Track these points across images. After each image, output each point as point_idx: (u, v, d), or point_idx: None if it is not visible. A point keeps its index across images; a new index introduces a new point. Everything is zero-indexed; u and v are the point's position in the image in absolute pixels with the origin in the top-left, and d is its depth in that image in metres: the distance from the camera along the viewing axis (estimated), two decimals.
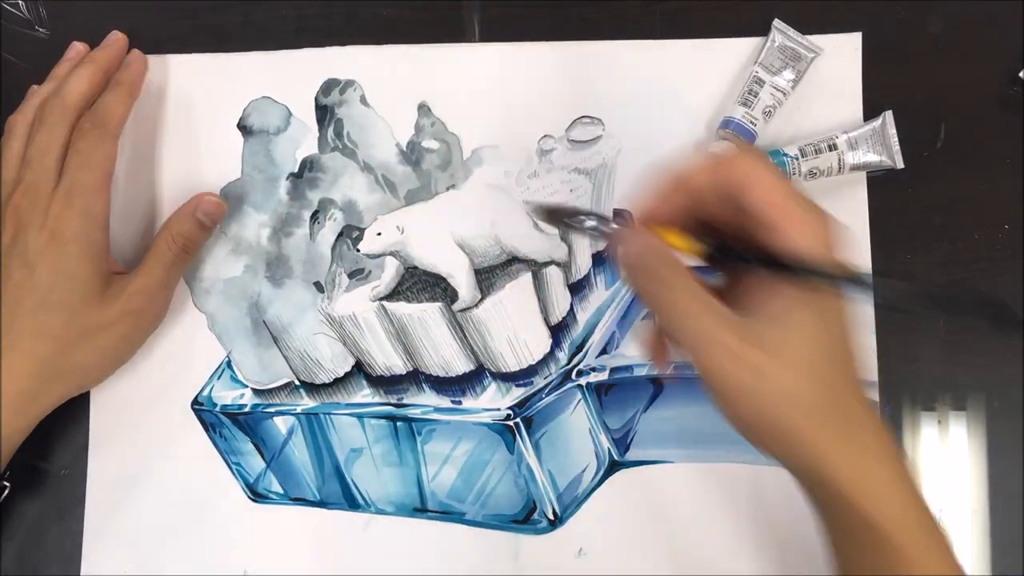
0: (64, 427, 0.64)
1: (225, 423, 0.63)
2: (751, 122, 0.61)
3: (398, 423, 0.63)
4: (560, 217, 0.49)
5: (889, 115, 0.62)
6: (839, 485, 0.44)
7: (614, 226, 0.47)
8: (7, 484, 0.60)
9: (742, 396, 0.44)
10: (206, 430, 0.64)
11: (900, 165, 0.61)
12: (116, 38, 0.64)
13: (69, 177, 0.57)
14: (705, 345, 0.43)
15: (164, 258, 0.60)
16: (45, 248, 0.56)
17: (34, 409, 0.58)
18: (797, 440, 0.44)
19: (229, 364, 0.64)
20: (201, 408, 0.64)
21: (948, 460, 0.61)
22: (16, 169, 0.58)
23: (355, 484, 0.63)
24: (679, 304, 0.44)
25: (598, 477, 0.63)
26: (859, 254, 0.62)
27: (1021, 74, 0.62)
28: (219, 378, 0.64)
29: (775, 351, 0.42)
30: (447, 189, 0.64)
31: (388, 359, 0.63)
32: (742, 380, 0.43)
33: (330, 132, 0.64)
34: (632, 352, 0.63)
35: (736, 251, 0.45)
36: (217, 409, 0.63)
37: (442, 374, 0.63)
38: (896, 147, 0.61)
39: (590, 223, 0.47)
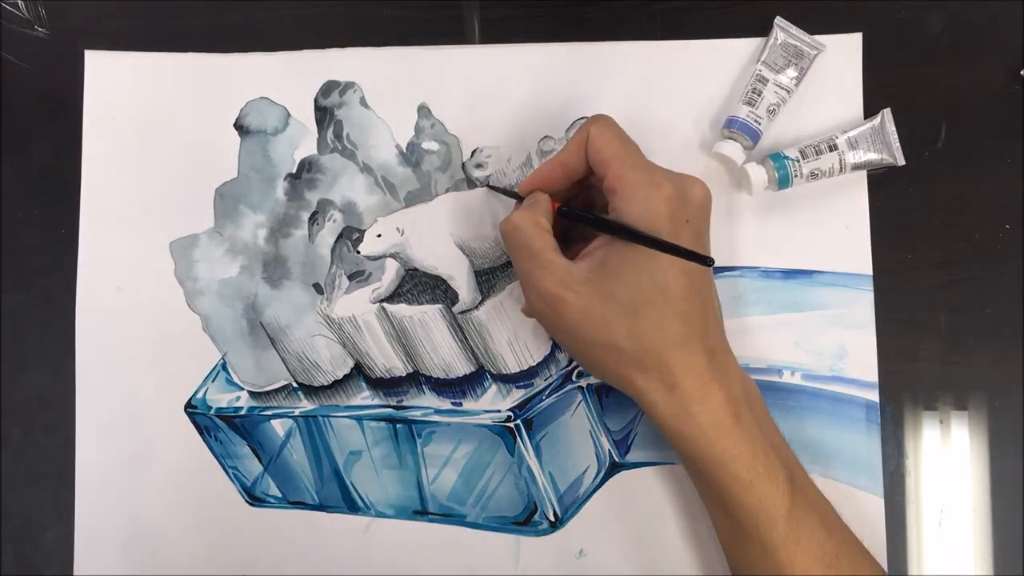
0: (56, 430, 0.63)
1: (220, 426, 0.63)
2: (755, 120, 0.61)
3: (398, 425, 0.62)
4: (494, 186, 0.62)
5: (888, 113, 0.62)
6: (661, 419, 0.52)
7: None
8: None
9: (555, 331, 0.56)
10: (200, 433, 0.63)
11: (901, 162, 0.61)
12: None
13: None
14: (524, 283, 0.55)
15: None
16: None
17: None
18: (609, 373, 0.54)
19: (224, 366, 0.64)
20: (195, 411, 0.63)
21: (949, 460, 0.61)
22: None
23: (355, 487, 0.63)
24: (516, 245, 0.54)
25: (599, 479, 0.62)
26: (860, 253, 0.62)
27: (1022, 72, 0.62)
28: (214, 380, 0.64)
29: (576, 291, 0.52)
30: (447, 190, 0.63)
31: (388, 361, 0.63)
32: (548, 317, 0.54)
33: (330, 133, 0.64)
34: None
35: (576, 213, 0.56)
36: (212, 412, 0.63)
37: (442, 376, 0.63)
38: (896, 144, 0.61)
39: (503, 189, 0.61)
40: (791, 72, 0.62)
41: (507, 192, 0.61)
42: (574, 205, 0.57)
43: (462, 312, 0.62)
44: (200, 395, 0.63)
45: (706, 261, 0.50)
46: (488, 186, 0.62)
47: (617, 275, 0.52)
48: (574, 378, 0.62)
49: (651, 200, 0.52)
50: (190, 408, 0.63)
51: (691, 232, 0.52)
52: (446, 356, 0.62)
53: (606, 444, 0.62)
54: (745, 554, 0.53)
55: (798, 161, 0.60)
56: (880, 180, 0.62)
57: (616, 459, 0.62)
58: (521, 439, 0.62)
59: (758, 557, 0.52)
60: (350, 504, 0.63)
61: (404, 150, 0.64)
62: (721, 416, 0.51)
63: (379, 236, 0.61)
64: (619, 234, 0.52)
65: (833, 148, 0.61)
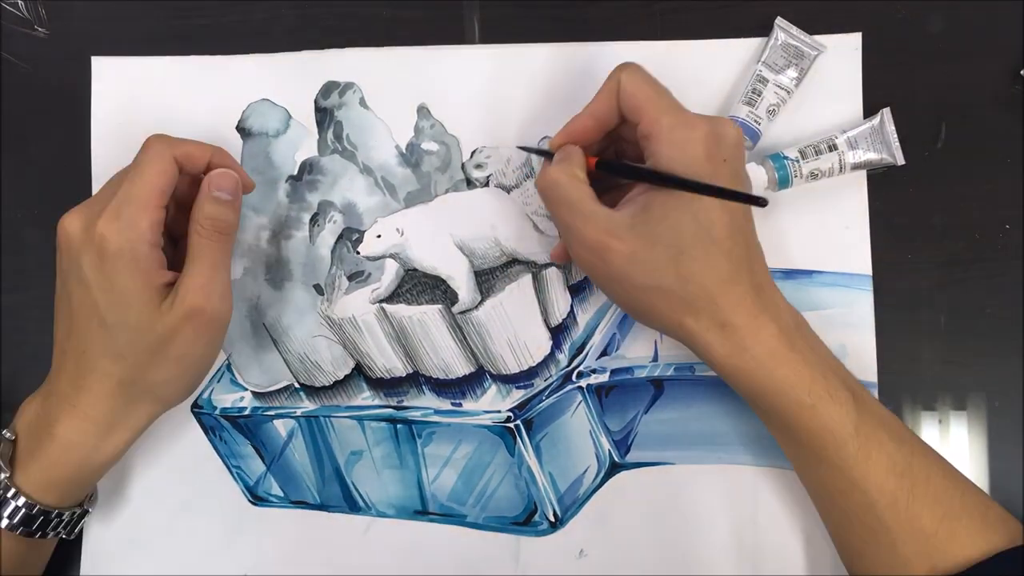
0: None
1: (225, 426, 0.63)
2: (755, 121, 0.61)
3: (398, 425, 0.63)
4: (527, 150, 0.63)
5: (887, 112, 0.61)
6: (716, 359, 0.53)
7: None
8: (88, 509, 0.60)
9: (600, 280, 0.56)
10: (206, 433, 0.64)
11: (901, 161, 0.61)
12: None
13: (119, 192, 0.54)
14: (566, 234, 0.55)
15: (201, 249, 0.55)
16: (94, 266, 0.53)
17: (122, 432, 0.56)
18: (657, 317, 0.54)
19: (229, 367, 0.64)
20: (200, 411, 0.63)
21: (949, 460, 0.61)
22: None
23: (356, 487, 0.63)
24: (554, 197, 0.55)
25: (599, 479, 0.63)
26: (860, 253, 0.62)
27: (1022, 72, 0.62)
28: (219, 381, 0.64)
29: (621, 237, 0.52)
30: (446, 191, 0.63)
31: (388, 361, 0.63)
32: (594, 265, 0.54)
33: (330, 134, 0.64)
34: (633, 354, 0.63)
35: (617, 166, 0.57)
36: (217, 412, 0.63)
37: (442, 376, 0.63)
38: (896, 144, 0.61)
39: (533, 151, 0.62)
40: (791, 72, 0.62)
41: (538, 151, 0.62)
42: (605, 158, 0.58)
43: (462, 312, 0.62)
44: (206, 395, 0.64)
45: (758, 201, 0.50)
46: (519, 147, 0.63)
47: (661, 219, 0.52)
48: (574, 378, 0.62)
49: (689, 142, 0.52)
50: (196, 408, 0.63)
51: (729, 171, 0.53)
52: (446, 356, 0.63)
53: (606, 444, 0.63)
54: (817, 475, 0.54)
55: (798, 161, 0.60)
56: (880, 180, 0.62)
57: (616, 459, 0.63)
58: (521, 439, 0.62)
59: (831, 475, 0.53)
60: (351, 504, 0.63)
61: (404, 151, 0.64)
62: (775, 346, 0.52)
63: (379, 237, 0.61)
64: (664, 183, 0.52)
65: (833, 148, 0.61)
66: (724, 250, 0.52)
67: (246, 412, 0.63)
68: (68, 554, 0.63)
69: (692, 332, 0.53)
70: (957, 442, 0.61)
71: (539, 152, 0.62)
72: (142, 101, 0.65)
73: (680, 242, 0.51)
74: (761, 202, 0.50)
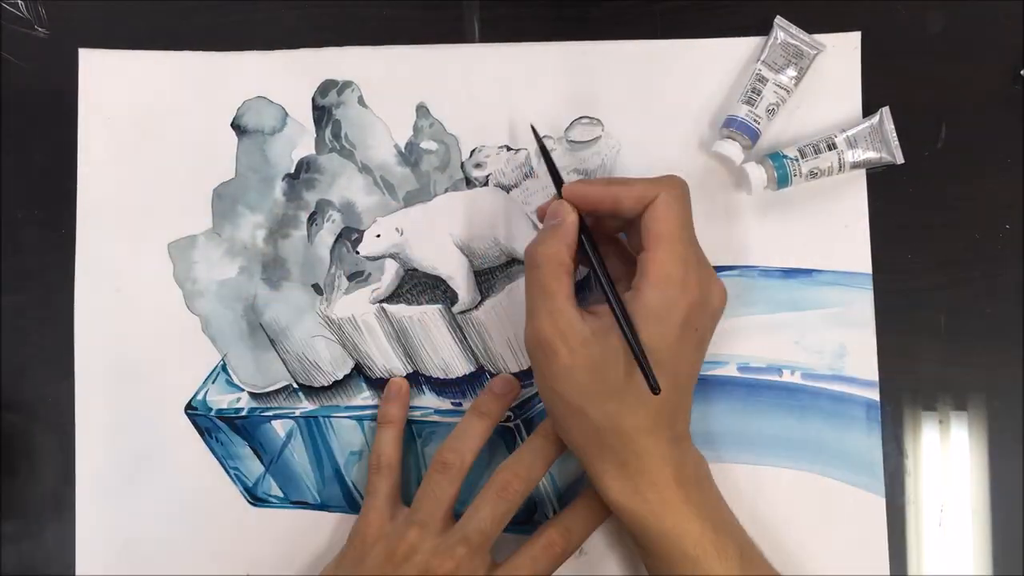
0: (56, 430, 0.63)
1: (221, 427, 0.63)
2: (755, 120, 0.61)
3: None
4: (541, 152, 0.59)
5: (886, 111, 0.62)
6: (611, 500, 0.53)
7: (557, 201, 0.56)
8: None
9: (536, 370, 0.54)
10: (201, 435, 0.63)
11: (900, 160, 0.61)
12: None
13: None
14: (528, 316, 0.54)
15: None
16: None
17: None
18: (573, 443, 0.54)
19: (224, 368, 0.64)
20: (195, 413, 0.63)
21: (949, 460, 0.61)
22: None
23: (356, 487, 0.63)
24: (533, 277, 0.53)
25: None
26: (860, 251, 0.62)
27: (1022, 72, 0.62)
28: (214, 382, 0.64)
29: (568, 342, 0.52)
30: (446, 190, 0.63)
31: (388, 361, 0.63)
32: (537, 356, 0.53)
33: (328, 133, 0.64)
34: None
35: (599, 276, 0.54)
36: (212, 413, 0.63)
37: (442, 376, 0.63)
38: (895, 143, 0.61)
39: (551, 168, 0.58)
40: (790, 72, 0.62)
41: (552, 174, 0.58)
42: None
43: (462, 312, 0.62)
44: (200, 397, 0.63)
45: (654, 390, 0.50)
46: (547, 160, 0.59)
47: (615, 351, 0.51)
48: None
49: (675, 303, 0.51)
50: (190, 410, 0.63)
51: (695, 339, 0.53)
52: (446, 356, 0.62)
53: None
54: None
55: (797, 160, 0.60)
56: (880, 180, 0.62)
57: None
58: (521, 439, 0.62)
59: None
60: (351, 504, 0.63)
61: (403, 150, 0.64)
62: (670, 496, 0.52)
63: (378, 236, 0.61)
64: (613, 309, 0.52)
65: (832, 147, 0.61)
66: (655, 407, 0.52)
67: (243, 413, 0.63)
68: (65, 555, 0.63)
69: (593, 462, 0.53)
70: (957, 442, 0.61)
71: (552, 176, 0.58)
72: (132, 95, 0.65)
73: (619, 382, 0.52)
74: (654, 390, 0.50)
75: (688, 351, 0.53)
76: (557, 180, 0.58)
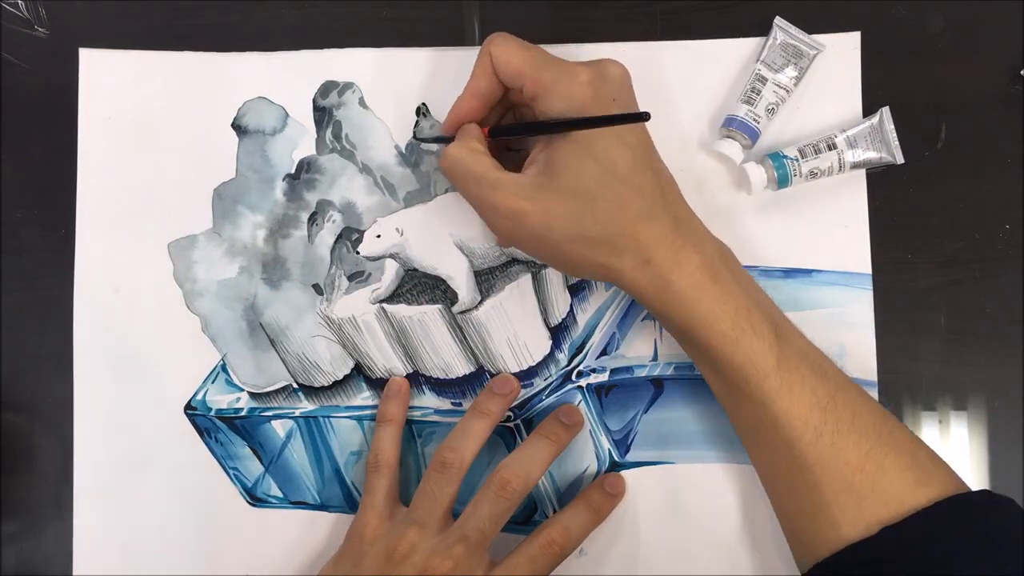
0: (55, 430, 0.63)
1: (220, 427, 0.63)
2: (754, 120, 0.61)
3: None
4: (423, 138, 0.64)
5: (886, 111, 0.62)
6: (644, 295, 0.53)
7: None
8: None
9: (522, 244, 0.55)
10: (200, 435, 0.63)
11: (900, 160, 0.61)
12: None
13: None
14: (489, 211, 0.54)
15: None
16: None
17: None
18: (586, 264, 0.53)
19: (224, 367, 0.64)
20: (195, 412, 0.63)
21: (949, 460, 0.61)
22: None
23: (356, 487, 0.63)
24: (469, 184, 0.54)
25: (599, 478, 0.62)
26: (859, 252, 0.62)
27: (1022, 72, 0.62)
28: (213, 382, 0.64)
29: (540, 200, 0.52)
30: (446, 191, 0.63)
31: (388, 361, 0.63)
32: (513, 231, 0.54)
33: (328, 134, 0.64)
34: (632, 353, 0.63)
35: (506, 128, 0.58)
36: (212, 413, 0.63)
37: (442, 376, 0.63)
38: (895, 143, 0.61)
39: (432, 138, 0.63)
40: (790, 72, 0.62)
41: (435, 139, 0.63)
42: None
43: (462, 312, 0.62)
44: (200, 396, 0.63)
45: (641, 117, 0.50)
46: (416, 136, 0.63)
47: (564, 170, 0.52)
48: (574, 378, 0.62)
49: (572, 88, 0.53)
50: (190, 410, 0.63)
51: (620, 108, 0.53)
52: (446, 356, 0.62)
53: (606, 444, 0.62)
54: (741, 410, 0.54)
55: (797, 160, 0.60)
56: (879, 180, 0.62)
57: (616, 459, 0.62)
58: (521, 439, 0.62)
59: (754, 410, 0.52)
60: (351, 504, 0.63)
61: (403, 150, 0.64)
62: (699, 278, 0.52)
63: (378, 237, 0.61)
64: (552, 129, 0.53)
65: (832, 147, 0.61)
66: (634, 187, 0.52)
67: (243, 413, 0.63)
68: (64, 555, 0.63)
69: (618, 272, 0.53)
70: (957, 442, 0.61)
71: (436, 140, 0.63)
72: (132, 96, 0.65)
73: (588, 188, 0.52)
74: (644, 116, 0.50)
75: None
76: (440, 138, 0.61)
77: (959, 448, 0.61)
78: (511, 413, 0.61)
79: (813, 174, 0.61)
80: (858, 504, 0.50)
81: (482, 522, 0.55)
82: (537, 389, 0.62)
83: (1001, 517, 0.50)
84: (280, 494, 0.63)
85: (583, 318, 0.63)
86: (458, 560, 0.54)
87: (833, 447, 0.51)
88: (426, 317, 0.62)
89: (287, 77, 0.64)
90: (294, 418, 0.63)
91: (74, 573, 0.63)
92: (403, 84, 0.64)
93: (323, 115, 0.64)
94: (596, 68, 0.54)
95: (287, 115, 0.64)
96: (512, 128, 0.58)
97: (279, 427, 0.63)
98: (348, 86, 0.64)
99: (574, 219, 0.52)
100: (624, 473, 0.62)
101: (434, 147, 0.63)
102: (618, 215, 0.52)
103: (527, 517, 0.63)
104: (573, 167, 0.52)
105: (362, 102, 0.64)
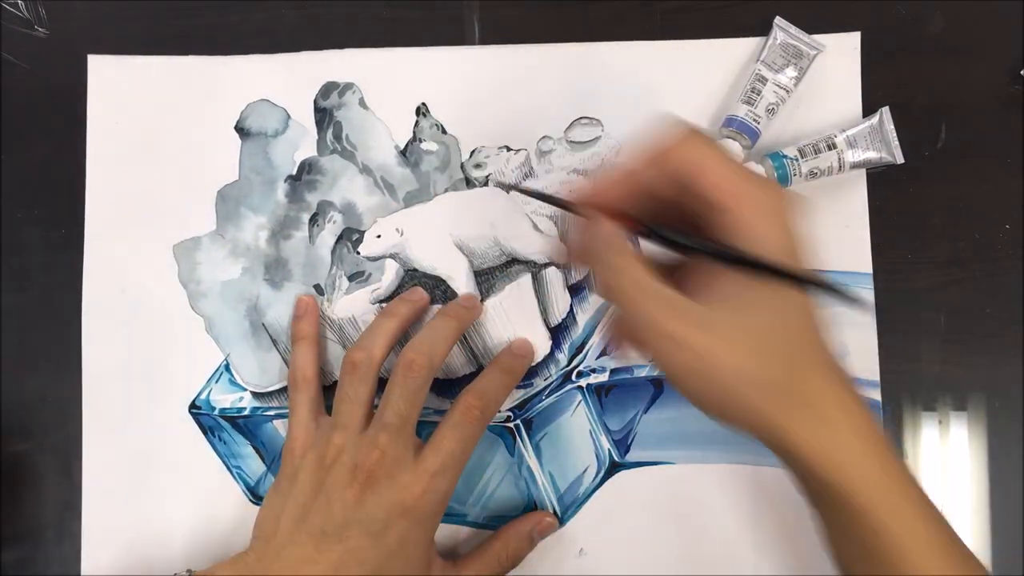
0: (56, 430, 0.64)
1: (224, 426, 0.63)
2: (754, 120, 0.61)
3: None
4: (529, 195, 0.58)
5: (886, 111, 0.61)
6: (804, 454, 0.45)
7: (575, 209, 0.49)
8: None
9: (690, 379, 0.45)
10: (204, 434, 0.64)
11: (900, 160, 0.61)
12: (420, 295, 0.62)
13: (439, 456, 0.54)
14: (651, 332, 0.44)
15: (492, 568, 0.59)
16: (395, 522, 0.53)
17: None
18: (752, 414, 0.45)
19: (227, 367, 0.64)
20: (199, 412, 0.63)
21: (949, 460, 0.61)
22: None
23: None
24: (626, 291, 0.45)
25: (599, 478, 0.63)
26: (860, 252, 0.62)
27: (1022, 72, 0.62)
28: (217, 381, 0.64)
29: (720, 333, 0.44)
30: (445, 190, 0.63)
31: (388, 362, 0.63)
32: (692, 367, 0.44)
33: (329, 135, 0.64)
34: (632, 353, 0.63)
35: (685, 242, 0.46)
36: (215, 412, 0.63)
37: (442, 376, 0.63)
38: (895, 143, 0.61)
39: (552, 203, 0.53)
40: (790, 72, 0.62)
41: (559, 203, 0.52)
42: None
43: None
44: (204, 396, 0.64)
45: (863, 305, 0.46)
46: (540, 196, 0.56)
47: (750, 305, 0.44)
48: (574, 378, 0.62)
49: (783, 218, 0.45)
50: (194, 409, 0.63)
51: (803, 246, 0.46)
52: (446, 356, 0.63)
53: (606, 444, 0.63)
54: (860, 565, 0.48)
55: (797, 160, 0.60)
56: (880, 180, 0.62)
57: (616, 459, 0.63)
58: (521, 439, 0.62)
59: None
60: None
61: (403, 151, 0.64)
62: (875, 443, 0.46)
63: (379, 237, 0.61)
64: (768, 274, 0.44)
65: (832, 147, 0.61)
66: (819, 337, 0.46)
67: (245, 412, 0.63)
68: (65, 555, 0.63)
69: (777, 420, 0.45)
70: (957, 442, 0.61)
71: (560, 206, 0.52)
72: (139, 100, 0.65)
73: (784, 332, 0.45)
74: (865, 305, 0.46)
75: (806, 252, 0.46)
76: (563, 203, 0.52)
77: (959, 448, 0.61)
78: (510, 413, 0.61)
79: (813, 174, 0.61)
80: None
81: (398, 405, 0.54)
82: (537, 389, 0.62)
83: None
84: None
85: (583, 318, 0.63)
86: (384, 447, 0.53)
87: None
88: (426, 317, 0.62)
89: (288, 79, 0.65)
90: None
91: (82, 572, 0.63)
92: (403, 84, 0.64)
93: (324, 116, 0.64)
94: (783, 191, 0.47)
95: (288, 117, 0.64)
96: (695, 246, 0.46)
97: (281, 427, 0.63)
98: (348, 87, 0.64)
99: (760, 359, 0.44)
100: (624, 473, 0.62)
101: (434, 147, 0.63)
102: (812, 369, 0.45)
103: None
104: (761, 302, 0.44)
105: (362, 103, 0.64)
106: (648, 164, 0.47)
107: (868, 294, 0.62)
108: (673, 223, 0.47)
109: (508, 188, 0.62)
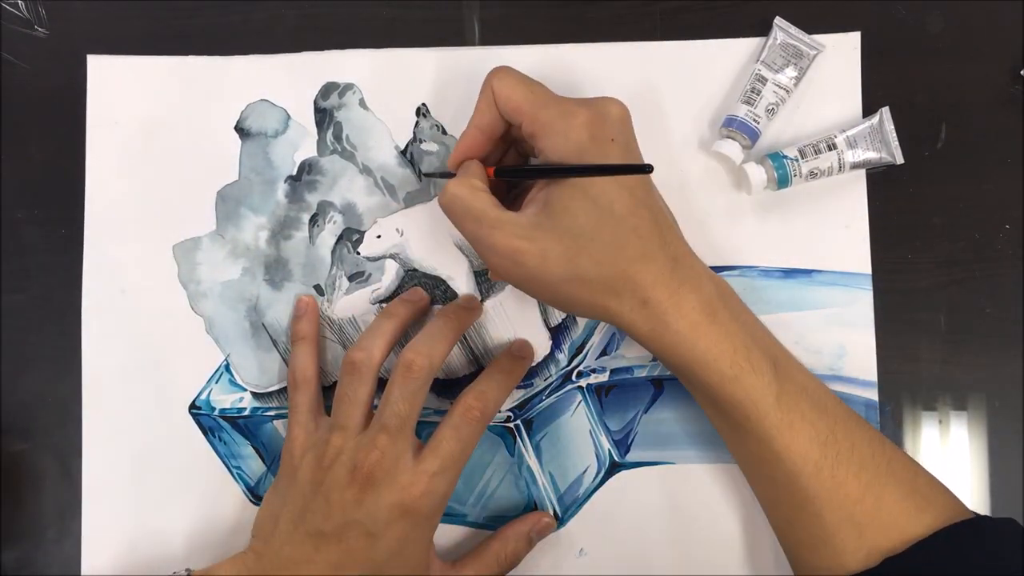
0: (55, 430, 0.64)
1: (224, 427, 0.63)
2: (754, 120, 0.61)
3: None
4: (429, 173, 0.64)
5: (886, 112, 0.62)
6: (643, 336, 0.53)
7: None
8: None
9: (529, 285, 0.54)
10: (204, 434, 0.64)
11: (900, 160, 0.61)
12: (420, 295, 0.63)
13: (438, 457, 0.55)
14: (478, 247, 0.54)
15: (491, 568, 0.60)
16: (394, 523, 0.54)
17: None
18: (590, 308, 0.53)
19: (227, 368, 0.64)
20: (199, 412, 0.63)
21: (948, 460, 0.61)
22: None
23: None
24: (459, 214, 0.54)
25: (599, 478, 0.63)
26: (859, 252, 0.62)
27: (1022, 72, 0.62)
28: (217, 382, 0.64)
29: (542, 243, 0.52)
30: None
31: (388, 362, 0.63)
32: (511, 271, 0.53)
33: (329, 135, 0.64)
34: (632, 353, 0.63)
35: (510, 170, 0.58)
36: (216, 413, 0.63)
37: (442, 377, 0.63)
38: (895, 143, 0.61)
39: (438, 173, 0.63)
40: (790, 72, 0.62)
41: (441, 174, 0.63)
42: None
43: None
44: (204, 396, 0.64)
45: (644, 168, 0.51)
46: (423, 173, 0.64)
47: (562, 211, 0.52)
48: (574, 378, 0.62)
49: (570, 129, 0.52)
50: (194, 409, 0.63)
51: (620, 148, 0.53)
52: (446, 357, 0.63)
53: (606, 444, 0.63)
54: (742, 446, 0.55)
55: (797, 160, 0.60)
56: (880, 180, 0.62)
57: (616, 459, 0.63)
58: (521, 439, 0.62)
59: (755, 447, 0.53)
60: None
61: (403, 151, 0.64)
62: (697, 319, 0.52)
63: (379, 237, 0.62)
64: (553, 175, 0.53)
65: (832, 147, 0.61)
66: (630, 227, 0.52)
67: (246, 412, 0.63)
68: (65, 556, 0.63)
69: (615, 313, 0.52)
70: (957, 442, 0.61)
71: (442, 175, 0.62)
72: (138, 101, 0.65)
73: (586, 229, 0.51)
74: (646, 168, 0.51)
75: (616, 159, 0.53)
76: (445, 173, 0.60)
77: (959, 448, 0.61)
78: (510, 413, 0.62)
79: (813, 174, 0.61)
80: (859, 535, 0.51)
81: (397, 406, 0.55)
82: (537, 389, 0.62)
83: (1001, 540, 0.51)
84: None
85: (583, 318, 0.63)
86: (383, 448, 0.54)
87: (833, 480, 0.51)
88: (426, 318, 0.62)
89: (288, 79, 0.65)
90: None
91: (82, 573, 0.63)
92: (403, 85, 0.64)
93: (324, 116, 0.64)
94: (595, 107, 0.53)
95: (288, 117, 0.64)
96: (515, 170, 0.58)
97: (281, 427, 0.63)
98: (348, 87, 0.64)
99: (571, 260, 0.51)
100: (624, 473, 0.62)
101: (434, 147, 0.63)
102: (615, 256, 0.51)
103: None
104: (571, 208, 0.52)
105: (362, 103, 0.64)
106: (481, 112, 0.56)
107: (867, 294, 0.62)
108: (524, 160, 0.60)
109: (427, 175, 0.64)
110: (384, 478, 0.53)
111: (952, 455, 0.61)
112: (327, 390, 0.63)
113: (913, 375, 0.62)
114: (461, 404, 0.56)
